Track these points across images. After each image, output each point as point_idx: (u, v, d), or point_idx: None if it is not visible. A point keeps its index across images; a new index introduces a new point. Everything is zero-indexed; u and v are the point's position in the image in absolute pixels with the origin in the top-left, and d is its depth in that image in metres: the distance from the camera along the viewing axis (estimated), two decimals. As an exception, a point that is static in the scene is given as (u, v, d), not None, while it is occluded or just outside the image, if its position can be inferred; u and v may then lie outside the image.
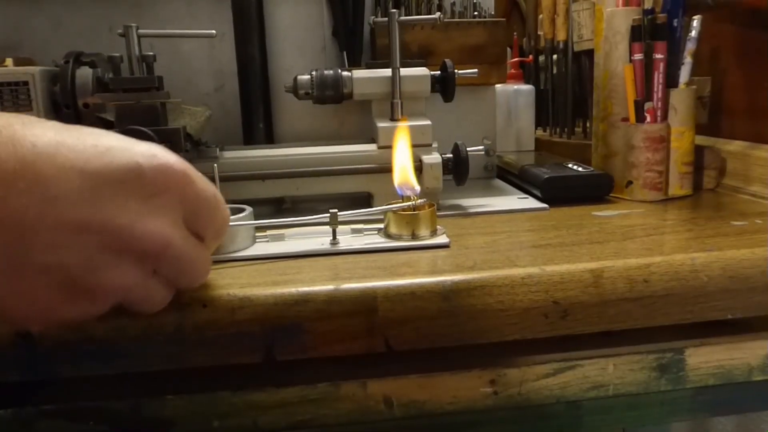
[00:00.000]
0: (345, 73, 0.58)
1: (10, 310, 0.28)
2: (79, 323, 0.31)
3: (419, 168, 0.54)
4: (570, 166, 0.63)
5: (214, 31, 0.57)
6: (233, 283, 0.37)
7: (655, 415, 0.42)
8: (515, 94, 0.86)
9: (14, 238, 0.25)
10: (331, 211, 0.44)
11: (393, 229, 0.46)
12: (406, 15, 0.70)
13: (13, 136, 0.25)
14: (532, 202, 0.58)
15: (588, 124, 0.82)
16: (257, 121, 0.67)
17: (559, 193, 0.58)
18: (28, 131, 0.26)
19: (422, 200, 0.46)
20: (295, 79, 0.58)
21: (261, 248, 0.44)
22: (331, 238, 0.45)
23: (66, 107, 0.51)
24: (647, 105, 0.57)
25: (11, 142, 0.25)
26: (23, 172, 0.25)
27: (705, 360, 0.41)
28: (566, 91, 0.84)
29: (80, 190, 0.26)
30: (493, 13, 0.73)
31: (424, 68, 0.58)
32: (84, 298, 0.28)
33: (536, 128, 0.89)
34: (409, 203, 0.46)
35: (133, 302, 0.31)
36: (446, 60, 0.58)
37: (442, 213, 0.55)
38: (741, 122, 0.65)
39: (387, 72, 0.57)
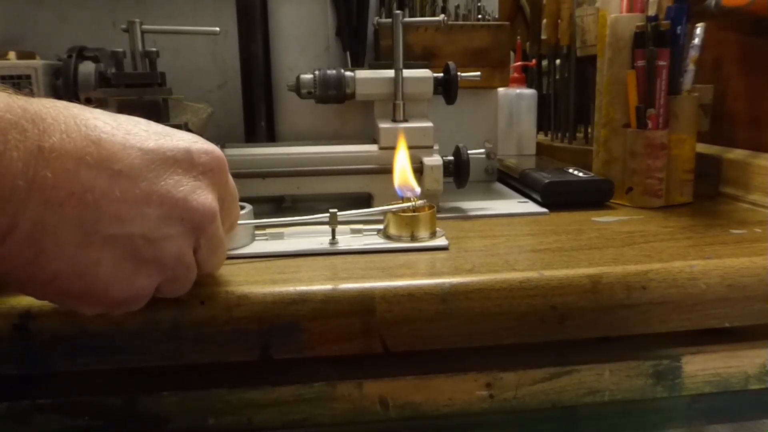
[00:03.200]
0: (348, 73, 0.58)
1: (82, 288, 0.28)
2: (138, 302, 0.31)
3: (420, 170, 0.54)
4: (571, 171, 0.63)
5: (217, 29, 0.57)
6: (231, 281, 0.37)
7: (650, 422, 0.42)
8: (517, 98, 0.86)
9: (85, 211, 0.27)
10: (330, 210, 0.44)
11: (392, 230, 0.46)
12: (410, 16, 0.70)
13: (76, 117, 0.27)
14: (532, 207, 0.58)
15: (589, 130, 0.82)
16: (259, 120, 0.67)
17: (559, 197, 0.58)
18: (88, 114, 0.28)
19: (422, 201, 0.46)
20: (298, 78, 0.58)
21: (260, 246, 0.44)
22: (331, 237, 0.45)
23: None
24: (649, 111, 0.57)
25: (74, 122, 0.27)
26: (90, 148, 0.27)
27: (702, 368, 0.41)
28: (568, 96, 0.84)
29: (141, 167, 0.29)
30: (497, 16, 0.73)
31: (427, 70, 0.58)
32: (146, 270, 0.30)
33: (538, 132, 0.89)
34: (409, 204, 0.46)
35: (175, 278, 0.32)
36: (449, 62, 0.58)
37: (442, 215, 0.55)
38: (742, 130, 0.65)
39: (390, 73, 0.57)
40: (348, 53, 0.69)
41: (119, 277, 0.29)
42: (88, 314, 0.32)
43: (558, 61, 0.86)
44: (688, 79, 0.58)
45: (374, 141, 0.58)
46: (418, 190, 0.47)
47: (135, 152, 0.29)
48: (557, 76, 0.87)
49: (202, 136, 0.33)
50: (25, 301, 0.34)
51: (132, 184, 0.28)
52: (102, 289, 0.29)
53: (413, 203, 0.46)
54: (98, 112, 0.29)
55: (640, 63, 0.57)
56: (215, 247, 0.34)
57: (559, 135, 0.87)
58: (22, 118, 0.25)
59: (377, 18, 0.66)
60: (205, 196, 0.31)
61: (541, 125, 0.90)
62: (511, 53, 0.89)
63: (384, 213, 0.46)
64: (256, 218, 0.45)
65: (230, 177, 0.34)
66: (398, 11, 0.57)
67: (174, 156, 0.30)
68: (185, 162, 0.31)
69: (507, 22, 0.71)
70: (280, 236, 0.46)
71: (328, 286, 0.36)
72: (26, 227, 0.26)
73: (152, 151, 0.29)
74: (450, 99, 0.58)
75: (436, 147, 0.56)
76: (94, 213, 0.27)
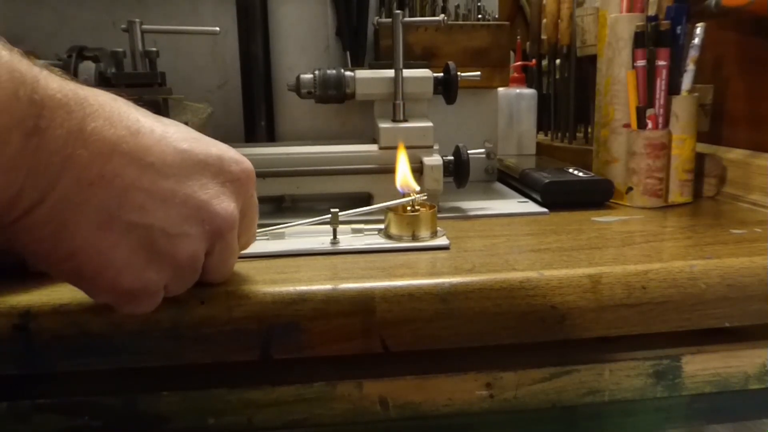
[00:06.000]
0: (348, 73, 0.58)
1: (95, 269, 0.29)
2: (145, 298, 0.31)
3: (420, 170, 0.54)
4: (571, 171, 0.63)
5: (217, 28, 0.57)
6: (231, 281, 0.37)
7: (650, 422, 0.42)
8: (517, 97, 0.86)
9: (112, 195, 0.28)
10: (332, 210, 0.44)
11: (393, 230, 0.46)
12: (410, 16, 0.70)
13: (120, 109, 0.29)
14: (532, 206, 0.58)
15: (589, 130, 0.82)
16: (259, 119, 0.67)
17: (559, 197, 0.58)
18: (132, 108, 0.30)
19: (422, 195, 0.46)
20: (298, 77, 0.58)
21: (260, 246, 0.44)
22: (332, 237, 0.45)
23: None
24: (649, 111, 0.57)
25: (118, 112, 0.28)
26: (127, 138, 0.28)
27: (702, 367, 0.41)
28: (568, 95, 0.84)
29: (172, 164, 0.30)
30: (497, 16, 0.73)
31: (427, 70, 0.58)
32: (158, 264, 0.30)
33: (538, 132, 0.89)
34: (410, 198, 0.46)
35: (182, 278, 0.32)
36: (449, 62, 0.58)
37: (442, 215, 0.55)
38: (742, 130, 0.65)
39: (390, 73, 0.57)
40: (348, 53, 0.69)
41: (131, 266, 0.29)
42: (97, 301, 0.32)
43: (558, 61, 0.86)
44: (688, 79, 0.58)
45: (374, 141, 0.58)
46: (418, 189, 0.47)
47: (169, 149, 0.30)
48: (557, 76, 0.87)
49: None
50: (25, 301, 0.34)
51: (161, 178, 0.29)
52: (113, 274, 0.29)
53: (413, 197, 0.46)
54: (143, 110, 0.31)
55: (640, 63, 0.57)
56: (227, 256, 0.34)
57: (559, 135, 0.87)
58: (72, 100, 0.26)
59: (377, 18, 0.66)
60: (228, 203, 0.32)
61: (541, 125, 0.90)
62: (511, 53, 0.89)
63: (385, 210, 0.46)
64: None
65: (255, 193, 0.35)
66: (398, 11, 0.57)
67: (205, 160, 0.31)
68: (215, 167, 0.32)
69: (507, 22, 0.71)
70: (280, 236, 0.46)
71: (328, 286, 0.36)
72: (53, 201, 0.26)
73: (185, 151, 0.31)
74: (450, 99, 0.58)
75: (436, 147, 0.56)
76: (119, 198, 0.28)
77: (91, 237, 0.28)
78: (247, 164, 0.34)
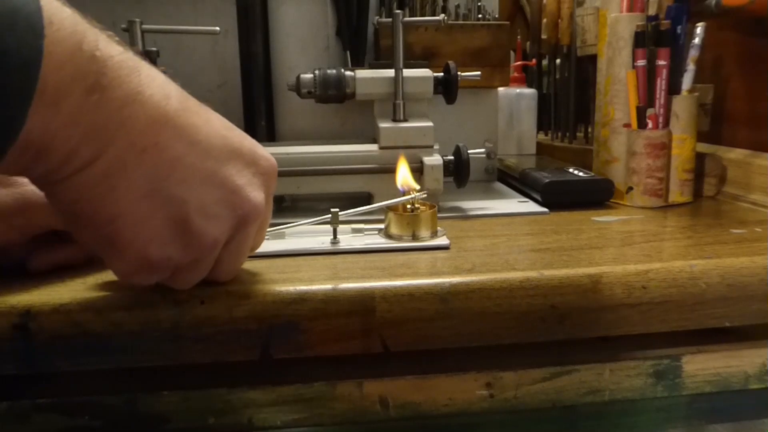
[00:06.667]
0: (348, 73, 0.58)
1: (129, 237, 0.29)
2: (155, 274, 0.31)
3: (420, 169, 0.54)
4: (571, 170, 0.63)
5: (218, 28, 0.57)
6: (231, 280, 0.37)
7: (650, 422, 0.42)
8: (518, 97, 0.86)
9: (160, 165, 0.28)
10: (332, 210, 0.44)
11: (393, 230, 0.46)
12: (410, 16, 0.70)
13: (169, 84, 0.29)
14: (532, 206, 0.58)
15: (590, 129, 0.82)
16: (259, 119, 0.67)
17: (559, 197, 0.58)
18: (178, 86, 0.30)
19: (423, 193, 0.46)
20: (298, 77, 0.58)
21: (261, 246, 0.44)
22: (332, 237, 0.45)
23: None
24: (649, 111, 0.57)
25: (168, 87, 0.29)
26: (180, 113, 0.29)
27: (702, 367, 0.41)
28: (569, 95, 0.84)
29: (215, 146, 0.31)
30: (497, 16, 0.73)
31: (427, 70, 0.58)
32: (184, 240, 0.30)
33: (538, 132, 0.89)
34: (411, 196, 0.46)
35: (195, 265, 0.33)
36: (449, 62, 0.58)
37: (442, 215, 0.55)
38: (742, 130, 0.65)
39: (390, 72, 0.57)
40: (348, 53, 0.69)
41: (160, 238, 0.30)
42: (113, 269, 0.32)
43: (558, 61, 0.86)
44: (688, 79, 0.58)
45: (374, 141, 0.58)
46: (418, 188, 0.47)
47: (213, 132, 0.31)
48: (557, 76, 0.87)
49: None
50: (25, 301, 0.34)
51: (204, 157, 0.30)
52: (142, 244, 0.29)
53: (414, 195, 0.46)
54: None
55: (640, 63, 0.57)
56: (241, 250, 0.35)
57: (559, 135, 0.87)
58: (130, 64, 0.27)
59: (377, 18, 0.66)
60: (258, 193, 0.33)
61: (541, 125, 0.90)
62: (511, 53, 0.89)
63: (386, 208, 0.46)
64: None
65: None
66: (398, 11, 0.57)
67: (240, 149, 0.32)
68: (248, 157, 0.33)
69: (507, 22, 0.71)
70: (281, 235, 0.46)
71: (328, 286, 0.36)
72: (107, 162, 0.27)
73: (226, 137, 0.32)
74: (450, 99, 0.58)
75: (436, 147, 0.56)
76: (166, 169, 0.29)
77: (134, 204, 0.28)
78: (275, 162, 0.35)
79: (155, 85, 0.28)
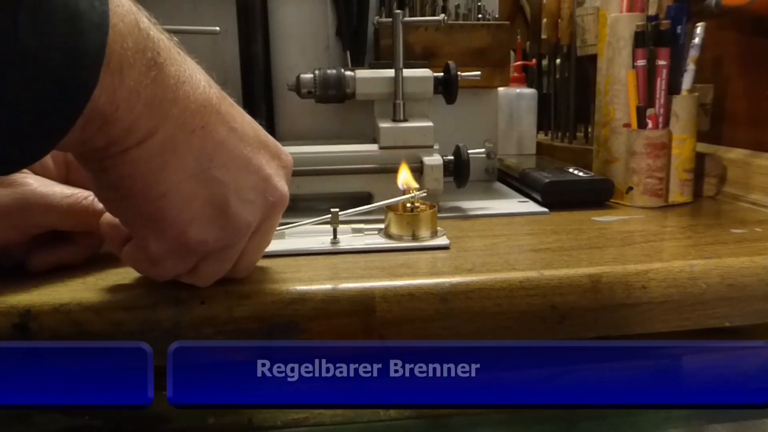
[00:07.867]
0: (348, 73, 0.58)
1: (175, 215, 0.30)
2: (192, 258, 0.32)
3: (420, 169, 0.54)
4: (571, 170, 0.63)
5: (217, 28, 0.57)
6: (231, 280, 0.36)
7: (650, 422, 0.42)
8: (518, 97, 0.86)
9: (208, 147, 0.30)
10: (332, 210, 0.44)
11: (393, 230, 0.46)
12: (410, 16, 0.70)
13: (207, 75, 0.30)
14: (532, 206, 0.58)
15: (590, 129, 0.82)
16: (259, 119, 0.65)
17: (559, 197, 0.58)
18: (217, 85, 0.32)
19: (423, 192, 0.46)
20: (298, 77, 0.58)
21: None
22: (332, 237, 0.45)
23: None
24: (649, 111, 0.57)
25: (208, 77, 0.30)
26: (222, 100, 0.31)
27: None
28: (569, 95, 0.84)
29: (249, 135, 0.32)
30: (497, 16, 0.73)
31: (427, 70, 0.58)
32: (220, 224, 0.31)
33: (538, 132, 0.89)
34: (411, 195, 0.46)
35: (223, 254, 0.33)
36: (449, 62, 0.58)
37: (442, 215, 0.54)
38: (742, 130, 0.65)
39: (390, 72, 0.57)
40: (348, 53, 0.69)
41: (200, 219, 0.30)
42: (151, 252, 0.31)
43: (558, 61, 0.86)
44: (688, 79, 0.58)
45: (374, 141, 0.58)
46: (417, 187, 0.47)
47: (247, 122, 0.33)
48: (557, 76, 0.87)
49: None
50: (25, 301, 0.34)
51: (241, 144, 0.32)
52: (184, 224, 0.30)
53: (414, 194, 0.46)
54: None
55: (640, 62, 0.57)
56: (266, 240, 0.36)
57: (559, 135, 0.87)
58: (180, 50, 0.29)
59: (377, 18, 0.66)
60: (283, 183, 0.34)
61: (541, 125, 0.90)
62: (511, 53, 0.89)
63: (386, 208, 0.46)
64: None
65: None
66: (398, 11, 0.57)
67: (267, 141, 0.34)
68: (273, 149, 0.34)
69: (507, 22, 0.71)
70: (281, 235, 0.46)
71: (328, 286, 0.36)
72: (163, 138, 0.28)
73: (255, 129, 0.33)
74: (450, 99, 0.58)
75: (436, 147, 0.56)
76: (211, 152, 0.30)
77: (181, 183, 0.29)
78: (292, 159, 0.36)
79: (199, 71, 0.29)
